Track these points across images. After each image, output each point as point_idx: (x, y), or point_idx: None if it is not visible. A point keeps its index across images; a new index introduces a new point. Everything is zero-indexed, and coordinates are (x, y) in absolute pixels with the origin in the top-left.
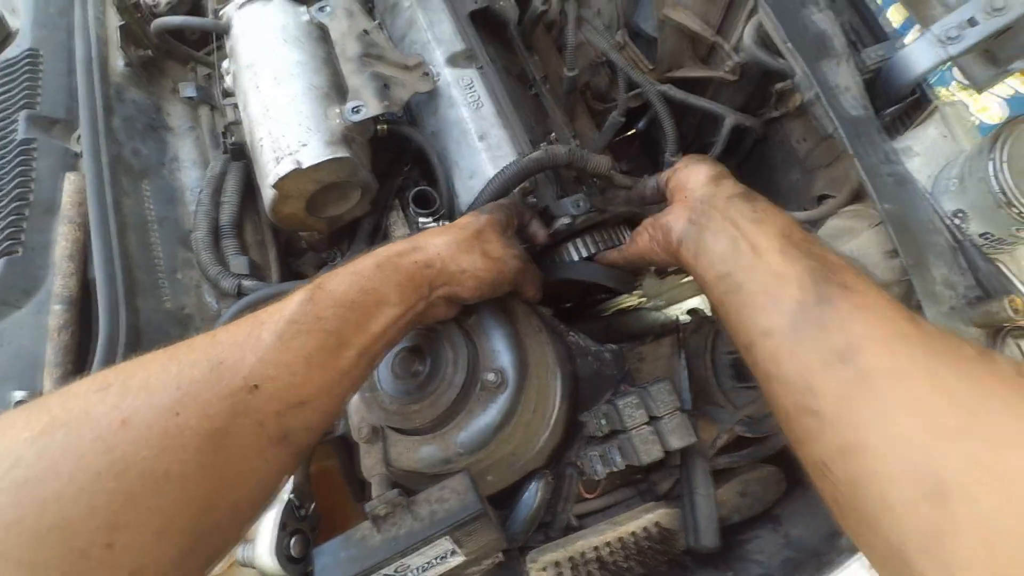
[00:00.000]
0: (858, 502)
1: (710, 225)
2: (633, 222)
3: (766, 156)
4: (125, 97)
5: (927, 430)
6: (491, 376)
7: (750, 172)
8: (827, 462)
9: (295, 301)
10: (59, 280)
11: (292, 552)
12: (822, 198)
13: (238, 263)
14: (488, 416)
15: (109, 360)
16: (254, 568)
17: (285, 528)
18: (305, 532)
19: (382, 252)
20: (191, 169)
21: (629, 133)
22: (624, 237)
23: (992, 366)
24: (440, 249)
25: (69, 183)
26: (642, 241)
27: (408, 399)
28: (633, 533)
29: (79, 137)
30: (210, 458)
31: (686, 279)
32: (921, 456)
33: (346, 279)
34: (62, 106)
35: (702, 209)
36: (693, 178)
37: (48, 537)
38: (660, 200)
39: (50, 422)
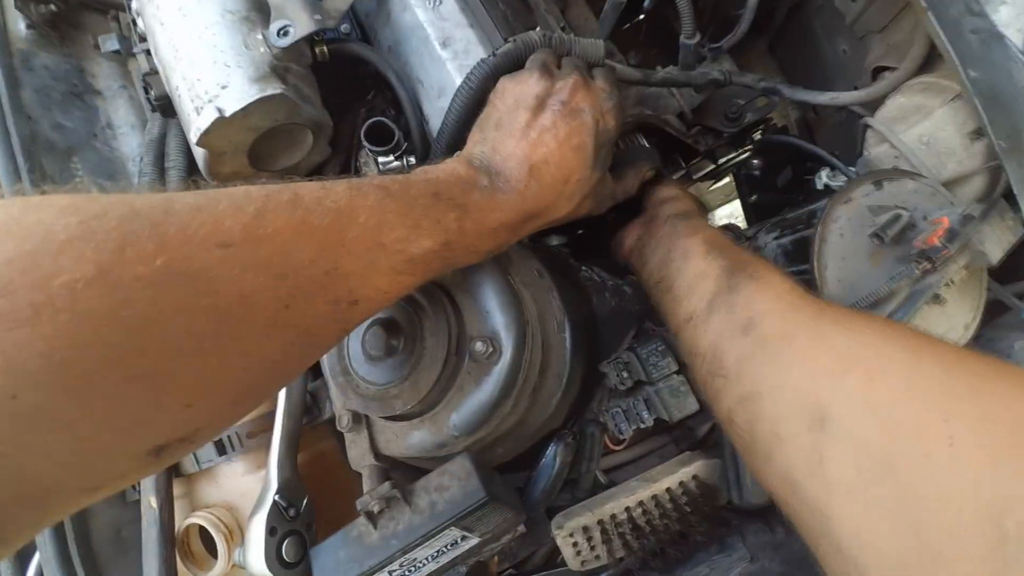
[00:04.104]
0: (756, 443)
1: (650, 242)
2: (647, 128)
3: (804, 27)
4: (34, 64)
5: (810, 374)
6: (479, 345)
7: (785, 50)
8: (731, 413)
9: None
10: None
11: (286, 557)
12: (878, 71)
13: None
14: (483, 392)
15: None
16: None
17: (274, 533)
18: (300, 532)
19: None
20: (130, 135)
21: (635, 20)
22: (642, 142)
23: (874, 324)
24: None
25: None
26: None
27: (386, 382)
28: (668, 489)
29: None
30: None
31: (715, 186)
32: (805, 395)
33: None
34: None
35: (649, 229)
36: (654, 195)
37: None
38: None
39: None
